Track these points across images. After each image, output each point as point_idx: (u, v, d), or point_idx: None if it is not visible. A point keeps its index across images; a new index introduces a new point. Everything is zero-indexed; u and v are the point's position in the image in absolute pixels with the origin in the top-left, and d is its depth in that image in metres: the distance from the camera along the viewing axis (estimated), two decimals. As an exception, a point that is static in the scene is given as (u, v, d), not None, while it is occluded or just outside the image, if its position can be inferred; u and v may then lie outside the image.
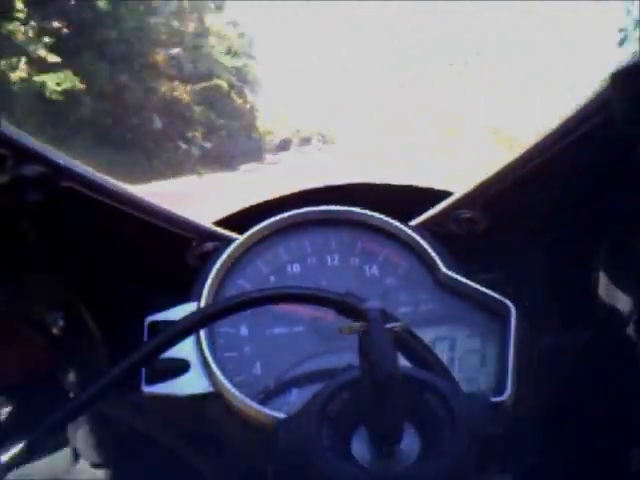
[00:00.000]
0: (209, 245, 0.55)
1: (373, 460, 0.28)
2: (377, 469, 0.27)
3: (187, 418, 0.44)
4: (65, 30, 10.73)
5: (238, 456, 0.44)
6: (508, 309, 0.46)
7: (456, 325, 0.47)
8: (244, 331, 0.48)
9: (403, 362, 0.36)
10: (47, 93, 10.07)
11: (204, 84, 15.34)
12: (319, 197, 0.55)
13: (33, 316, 0.48)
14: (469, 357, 0.46)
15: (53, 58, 10.27)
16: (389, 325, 0.28)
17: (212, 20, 17.62)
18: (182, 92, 14.87)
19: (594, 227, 0.50)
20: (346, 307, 0.37)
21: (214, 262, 0.51)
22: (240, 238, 0.52)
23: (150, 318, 0.47)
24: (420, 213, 0.55)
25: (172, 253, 0.54)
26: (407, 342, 0.37)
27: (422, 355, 0.37)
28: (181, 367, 0.44)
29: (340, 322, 0.34)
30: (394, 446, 0.28)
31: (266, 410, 0.41)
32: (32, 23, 10.12)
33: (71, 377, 0.51)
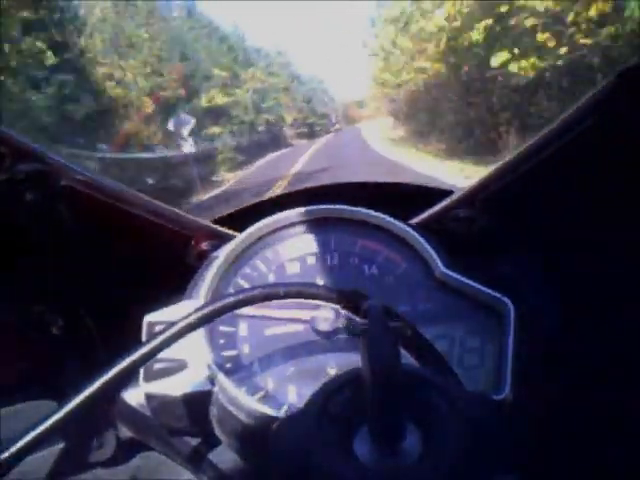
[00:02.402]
0: (208, 243, 0.55)
1: (375, 458, 0.27)
2: (379, 467, 0.27)
3: (186, 417, 0.44)
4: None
5: (238, 455, 0.44)
6: (507, 307, 0.46)
7: (455, 323, 0.47)
8: (243, 330, 0.48)
9: (405, 360, 0.36)
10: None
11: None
12: (318, 196, 0.54)
13: (33, 316, 0.48)
14: (468, 355, 0.46)
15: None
16: (391, 323, 0.28)
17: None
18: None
19: (594, 225, 0.50)
20: (348, 304, 0.37)
21: (213, 260, 0.51)
22: (239, 236, 0.52)
23: (148, 317, 0.46)
24: (420, 212, 0.55)
25: (171, 251, 0.54)
26: (409, 340, 0.37)
27: (424, 353, 0.37)
28: (180, 365, 0.44)
29: (339, 321, 0.34)
30: (396, 444, 0.28)
31: (266, 409, 0.41)
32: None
33: (71, 377, 0.51)
